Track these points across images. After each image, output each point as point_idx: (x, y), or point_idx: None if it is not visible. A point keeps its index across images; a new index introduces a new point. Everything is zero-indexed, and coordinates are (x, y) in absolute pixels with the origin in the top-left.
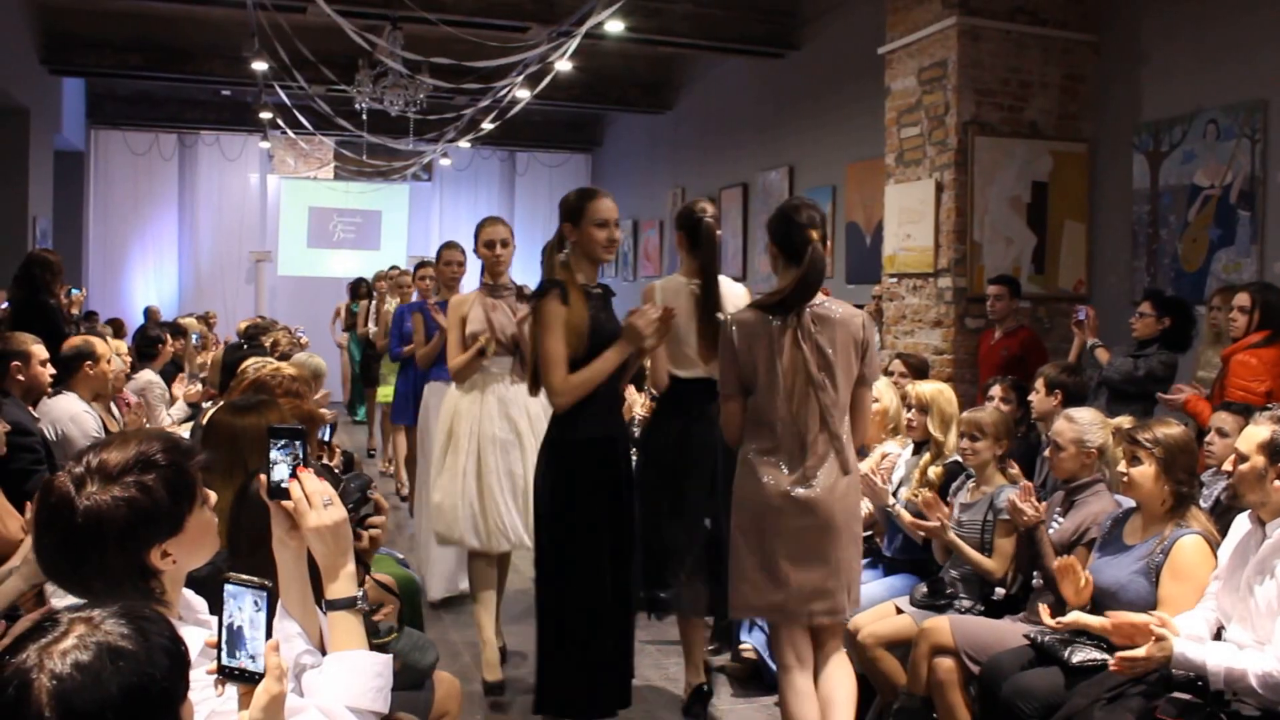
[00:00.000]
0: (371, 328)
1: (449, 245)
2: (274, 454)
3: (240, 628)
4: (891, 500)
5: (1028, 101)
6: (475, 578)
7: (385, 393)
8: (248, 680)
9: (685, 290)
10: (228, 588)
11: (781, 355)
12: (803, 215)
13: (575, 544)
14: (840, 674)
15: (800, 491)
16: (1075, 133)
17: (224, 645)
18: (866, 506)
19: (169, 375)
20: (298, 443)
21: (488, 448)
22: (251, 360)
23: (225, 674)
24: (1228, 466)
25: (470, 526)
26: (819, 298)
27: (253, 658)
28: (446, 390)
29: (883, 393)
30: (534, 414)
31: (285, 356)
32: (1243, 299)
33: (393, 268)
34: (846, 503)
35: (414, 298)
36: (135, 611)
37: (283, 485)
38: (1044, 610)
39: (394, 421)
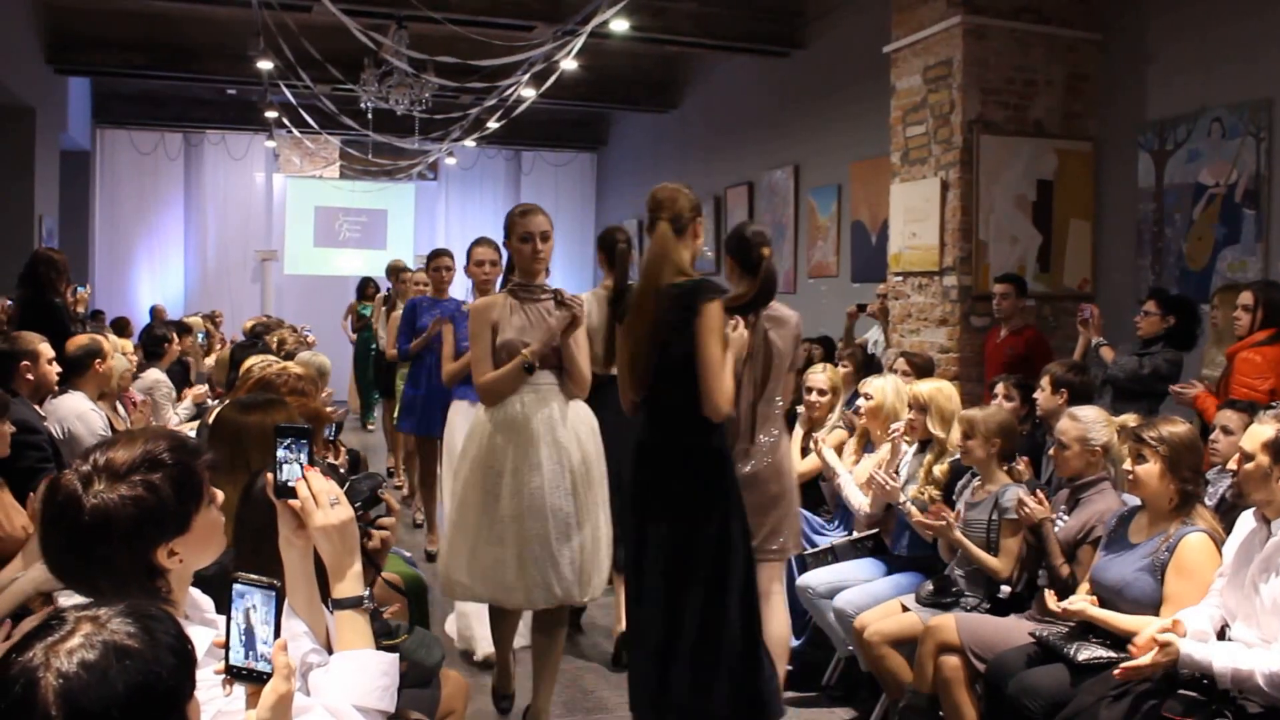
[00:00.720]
0: (381, 335)
1: (481, 241)
2: (280, 453)
3: (248, 627)
4: (902, 498)
5: (1033, 100)
6: (499, 630)
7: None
8: (255, 680)
9: (604, 299)
10: (236, 587)
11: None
12: (756, 237)
13: (741, 551)
14: (779, 601)
15: (747, 469)
16: (1080, 131)
17: (232, 645)
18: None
19: (175, 374)
20: (304, 441)
21: (530, 486)
22: (256, 359)
23: (233, 673)
24: (1232, 465)
25: (499, 582)
26: None
27: (261, 657)
28: (475, 413)
29: (876, 389)
30: (583, 435)
31: (290, 355)
32: (1246, 297)
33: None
34: (782, 466)
35: (427, 292)
36: (142, 610)
37: (289, 484)
38: (1050, 596)
39: (399, 429)
